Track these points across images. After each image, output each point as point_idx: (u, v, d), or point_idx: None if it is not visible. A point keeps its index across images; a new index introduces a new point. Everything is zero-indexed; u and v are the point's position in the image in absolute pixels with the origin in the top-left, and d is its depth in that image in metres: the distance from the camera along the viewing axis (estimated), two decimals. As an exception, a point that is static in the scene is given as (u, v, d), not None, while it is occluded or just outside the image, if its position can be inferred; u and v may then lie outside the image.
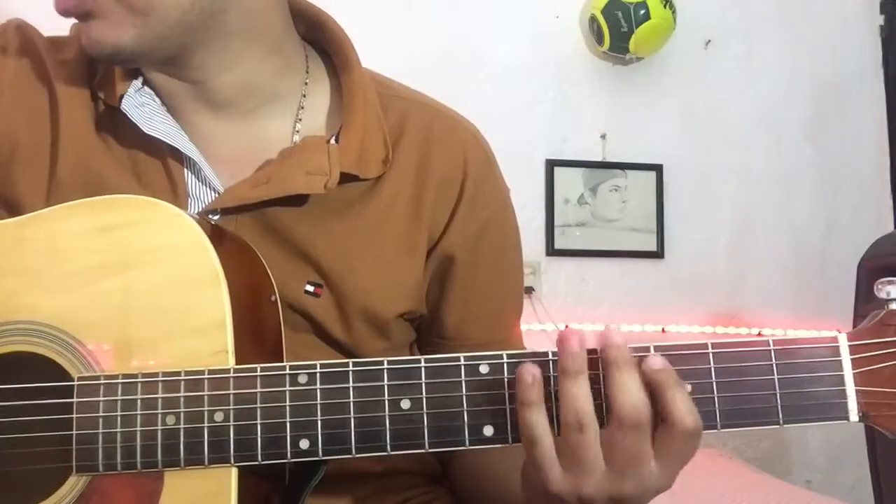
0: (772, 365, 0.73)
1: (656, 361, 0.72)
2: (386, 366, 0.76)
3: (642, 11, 2.79)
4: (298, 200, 0.92)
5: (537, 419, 0.72)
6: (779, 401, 0.73)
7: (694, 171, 3.05)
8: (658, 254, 3.00)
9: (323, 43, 1.02)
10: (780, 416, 0.73)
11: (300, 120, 0.97)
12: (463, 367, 0.75)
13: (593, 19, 2.88)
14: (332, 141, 0.94)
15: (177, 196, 0.91)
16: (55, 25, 1.00)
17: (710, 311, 3.00)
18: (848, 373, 0.72)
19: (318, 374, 0.76)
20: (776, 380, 0.73)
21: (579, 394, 0.72)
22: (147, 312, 0.78)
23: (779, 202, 3.12)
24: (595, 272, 2.91)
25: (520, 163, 2.87)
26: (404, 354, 1.00)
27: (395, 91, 1.03)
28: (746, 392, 0.73)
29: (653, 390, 0.72)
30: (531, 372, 0.72)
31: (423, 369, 0.76)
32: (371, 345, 0.96)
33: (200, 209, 0.92)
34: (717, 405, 0.73)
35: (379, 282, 0.95)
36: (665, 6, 2.82)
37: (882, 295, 0.73)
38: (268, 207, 0.91)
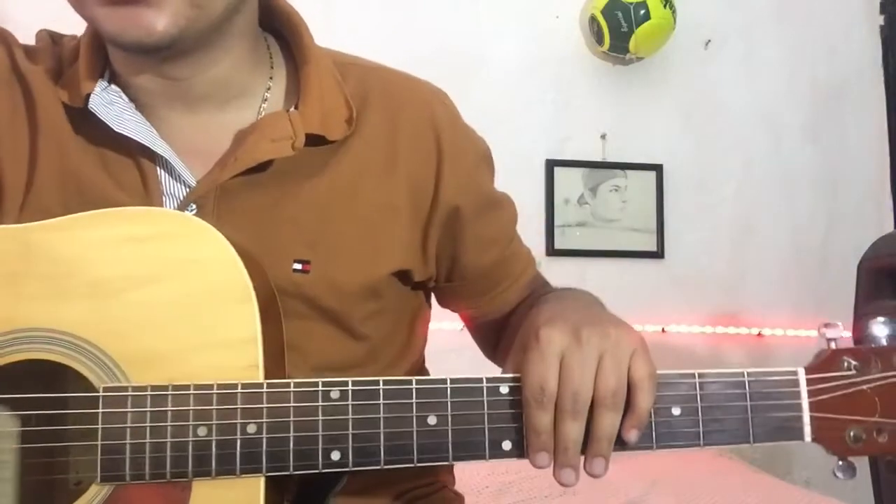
0: (745, 394, 0.83)
1: None
2: (414, 385, 0.79)
3: (642, 11, 2.80)
4: (273, 178, 0.93)
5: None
6: (750, 424, 0.83)
7: (694, 171, 3.06)
8: (658, 254, 3.01)
9: (275, 23, 1.02)
10: (752, 437, 0.83)
11: (265, 101, 0.97)
12: (485, 388, 0.80)
13: (593, 19, 2.88)
14: (293, 109, 0.95)
15: (149, 193, 0.91)
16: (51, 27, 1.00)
17: (710, 311, 3.02)
18: (804, 402, 0.84)
19: (349, 391, 0.78)
20: (748, 406, 0.83)
21: None
22: (175, 325, 0.78)
23: (779, 202, 3.13)
24: (595, 272, 2.91)
25: (520, 163, 2.88)
26: (396, 319, 1.04)
27: (352, 59, 1.04)
28: (724, 416, 0.83)
29: None
30: None
31: (448, 389, 0.79)
32: (361, 307, 0.97)
33: (176, 205, 0.92)
34: (700, 426, 0.82)
35: (364, 243, 0.96)
36: (665, 6, 2.83)
37: (824, 337, 0.86)
38: (243, 194, 0.92)
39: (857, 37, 3.24)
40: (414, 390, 0.79)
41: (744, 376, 0.83)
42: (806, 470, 3.03)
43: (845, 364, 0.84)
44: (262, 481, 0.77)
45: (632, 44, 2.85)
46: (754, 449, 2.95)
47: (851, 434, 0.84)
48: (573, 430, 0.76)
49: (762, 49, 3.15)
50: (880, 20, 3.26)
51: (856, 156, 3.20)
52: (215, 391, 0.76)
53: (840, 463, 0.84)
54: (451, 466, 1.18)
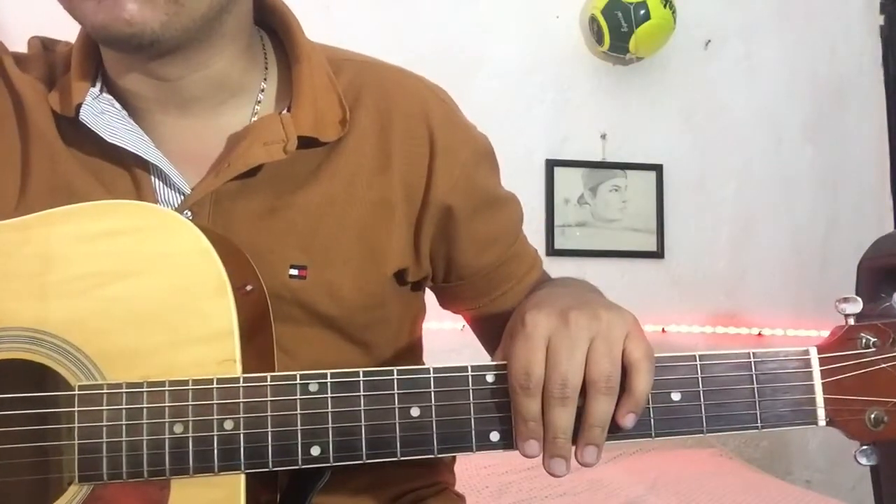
0: (752, 375, 0.78)
1: None
2: (396, 375, 0.77)
3: (642, 11, 2.79)
4: (267, 183, 0.92)
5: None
6: (758, 408, 0.78)
7: (694, 171, 3.05)
8: (658, 254, 3.01)
9: (268, 19, 1.01)
10: (759, 421, 0.78)
11: (259, 103, 0.96)
12: (470, 377, 0.77)
13: (593, 19, 2.88)
14: (285, 112, 0.94)
15: (143, 201, 0.90)
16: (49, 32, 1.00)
17: (710, 311, 3.01)
18: (817, 383, 0.79)
19: (328, 384, 0.76)
20: (755, 389, 0.78)
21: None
22: (151, 320, 0.77)
23: (779, 202, 3.12)
24: (595, 272, 2.89)
25: (520, 163, 2.88)
26: (398, 326, 1.02)
27: (346, 55, 1.02)
28: (729, 400, 0.78)
29: None
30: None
31: (431, 379, 0.77)
32: (364, 315, 0.96)
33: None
34: (703, 412, 0.78)
35: (362, 246, 0.94)
36: (665, 6, 2.82)
37: (843, 313, 0.81)
38: (238, 199, 0.91)
39: (857, 37, 3.24)
40: (396, 381, 0.76)
41: (750, 357, 0.78)
42: (806, 470, 3.03)
43: (863, 341, 0.78)
44: (242, 479, 0.75)
45: (632, 44, 2.84)
46: (754, 449, 2.94)
47: (872, 416, 0.78)
48: (562, 418, 0.72)
49: (762, 49, 3.14)
50: (880, 20, 3.25)
51: (856, 156, 3.19)
52: (191, 387, 0.75)
53: (863, 447, 0.78)
54: (452, 466, 1.16)
